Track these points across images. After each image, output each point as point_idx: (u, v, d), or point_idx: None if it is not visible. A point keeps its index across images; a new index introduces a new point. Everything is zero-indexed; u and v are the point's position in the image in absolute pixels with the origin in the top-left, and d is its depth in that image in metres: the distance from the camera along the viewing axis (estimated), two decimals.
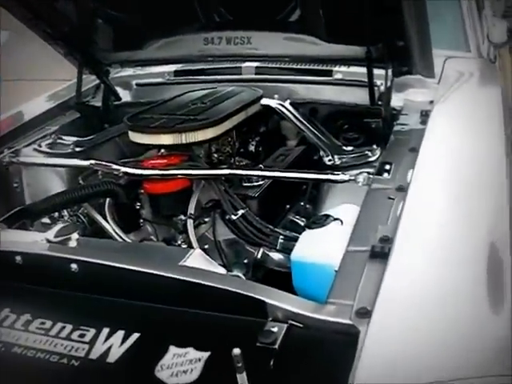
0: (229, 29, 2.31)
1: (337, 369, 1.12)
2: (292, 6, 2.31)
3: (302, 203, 2.07)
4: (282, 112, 2.21)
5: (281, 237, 1.78)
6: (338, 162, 1.92)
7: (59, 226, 1.53)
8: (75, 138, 2.31)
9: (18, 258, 1.46)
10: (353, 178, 1.71)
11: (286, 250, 1.77)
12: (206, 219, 1.89)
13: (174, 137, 1.84)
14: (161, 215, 1.91)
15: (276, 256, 1.83)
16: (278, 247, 1.78)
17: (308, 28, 2.18)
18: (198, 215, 1.86)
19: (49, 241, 1.49)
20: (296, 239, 1.76)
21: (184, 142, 1.84)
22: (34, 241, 1.51)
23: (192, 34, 2.37)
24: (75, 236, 1.48)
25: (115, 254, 1.44)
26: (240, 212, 1.79)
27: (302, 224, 1.96)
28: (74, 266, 1.38)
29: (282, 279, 1.67)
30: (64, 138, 2.30)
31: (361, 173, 1.72)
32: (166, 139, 1.85)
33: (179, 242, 1.88)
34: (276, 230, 1.80)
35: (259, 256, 1.82)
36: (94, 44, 2.47)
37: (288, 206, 2.02)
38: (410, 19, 1.79)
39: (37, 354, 1.26)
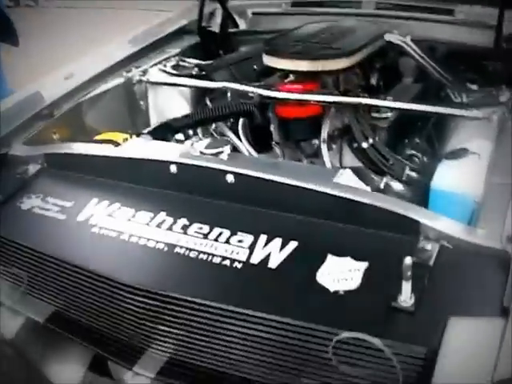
0: None
1: (489, 291, 1.18)
2: None
3: (418, 140, 2.10)
4: (404, 48, 2.21)
5: (408, 168, 1.83)
6: (465, 100, 1.93)
7: (209, 139, 1.61)
8: (196, 61, 2.39)
9: (173, 168, 1.54)
10: (487, 116, 1.74)
11: (411, 182, 1.83)
12: (333, 146, 1.95)
13: (312, 64, 1.88)
14: (292, 139, 1.98)
15: (398, 186, 1.87)
16: (403, 178, 1.83)
17: None
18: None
19: (202, 153, 1.57)
20: (423, 173, 1.82)
21: (320, 69, 1.89)
22: (186, 152, 1.59)
23: None
24: (227, 150, 1.56)
25: (269, 168, 1.51)
26: (371, 141, 1.84)
27: (418, 160, 2.01)
28: (229, 177, 1.47)
29: None
30: (186, 60, 2.38)
31: (495, 111, 1.74)
32: (304, 65, 1.89)
33: None
34: (404, 161, 1.84)
35: (382, 186, 1.88)
36: None
37: (406, 141, 2.06)
38: None
39: (199, 256, 1.36)
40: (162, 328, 1.37)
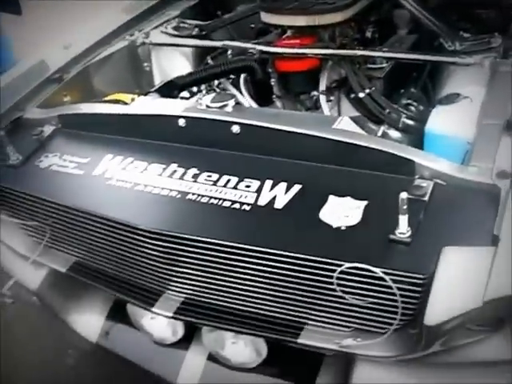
0: None
1: (481, 223, 1.28)
2: None
3: (413, 89, 2.17)
4: (398, 0, 2.27)
5: (404, 116, 1.91)
6: (458, 47, 2.00)
7: (213, 94, 1.69)
8: (196, 22, 2.46)
9: (181, 122, 1.63)
10: (478, 61, 1.81)
11: (407, 129, 1.92)
12: (331, 98, 2.04)
13: (308, 18, 1.95)
14: (291, 92, 2.06)
15: (395, 134, 1.95)
16: (400, 126, 1.91)
17: None
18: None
19: (208, 106, 1.66)
20: (418, 120, 1.90)
21: (317, 23, 1.96)
22: (193, 106, 1.68)
23: None
24: (232, 102, 1.64)
25: (272, 118, 1.60)
26: (367, 90, 1.92)
27: (414, 108, 2.08)
28: (235, 127, 1.56)
29: None
30: (186, 21, 2.45)
31: (486, 57, 1.81)
32: (301, 20, 1.96)
33: None
34: (400, 109, 1.93)
35: (379, 134, 1.96)
36: None
37: (402, 91, 2.14)
38: None
39: (210, 200, 1.46)
40: (179, 269, 1.48)
